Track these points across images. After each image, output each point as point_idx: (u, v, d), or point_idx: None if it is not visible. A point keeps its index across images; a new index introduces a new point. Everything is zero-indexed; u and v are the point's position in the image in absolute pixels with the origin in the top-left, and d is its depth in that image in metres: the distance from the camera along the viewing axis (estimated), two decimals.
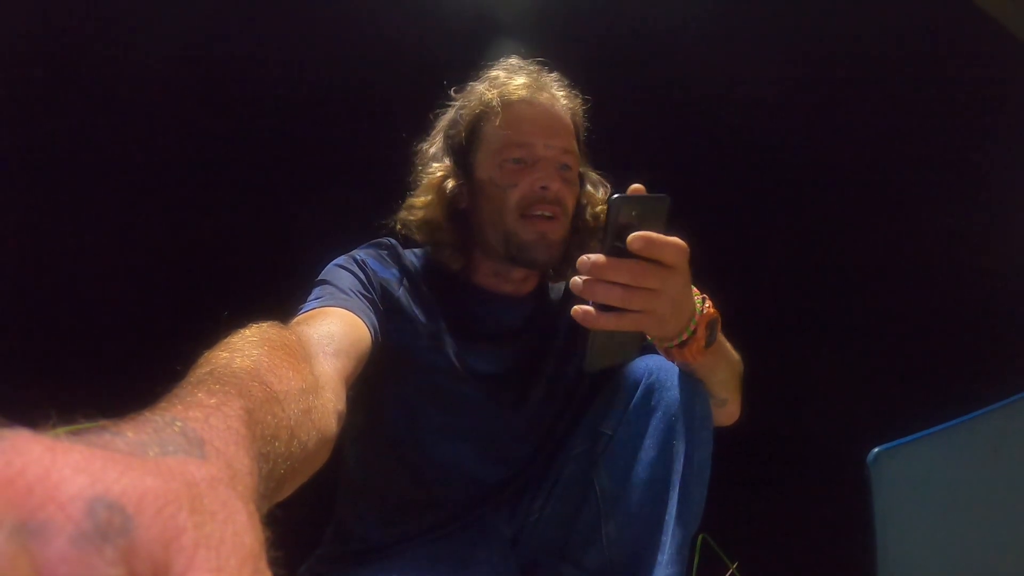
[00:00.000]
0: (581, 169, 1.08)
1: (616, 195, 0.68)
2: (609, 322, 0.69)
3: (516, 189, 0.98)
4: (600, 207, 1.08)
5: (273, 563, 0.25)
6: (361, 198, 1.16)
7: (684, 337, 0.78)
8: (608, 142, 1.14)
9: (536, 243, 0.98)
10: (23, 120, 1.45)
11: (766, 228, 1.84)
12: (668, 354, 0.83)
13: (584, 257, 0.68)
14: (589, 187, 1.09)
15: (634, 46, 1.70)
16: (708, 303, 0.80)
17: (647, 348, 1.00)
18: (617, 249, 0.67)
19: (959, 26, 1.65)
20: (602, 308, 0.69)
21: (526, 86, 1.02)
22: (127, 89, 1.53)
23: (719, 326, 0.83)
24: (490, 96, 1.01)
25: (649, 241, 0.66)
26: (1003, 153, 1.68)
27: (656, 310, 0.69)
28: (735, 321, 0.87)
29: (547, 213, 0.98)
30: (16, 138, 1.44)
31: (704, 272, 0.80)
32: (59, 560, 0.18)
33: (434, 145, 1.11)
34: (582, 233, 1.07)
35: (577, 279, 0.69)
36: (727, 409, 0.97)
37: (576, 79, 1.10)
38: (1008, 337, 1.64)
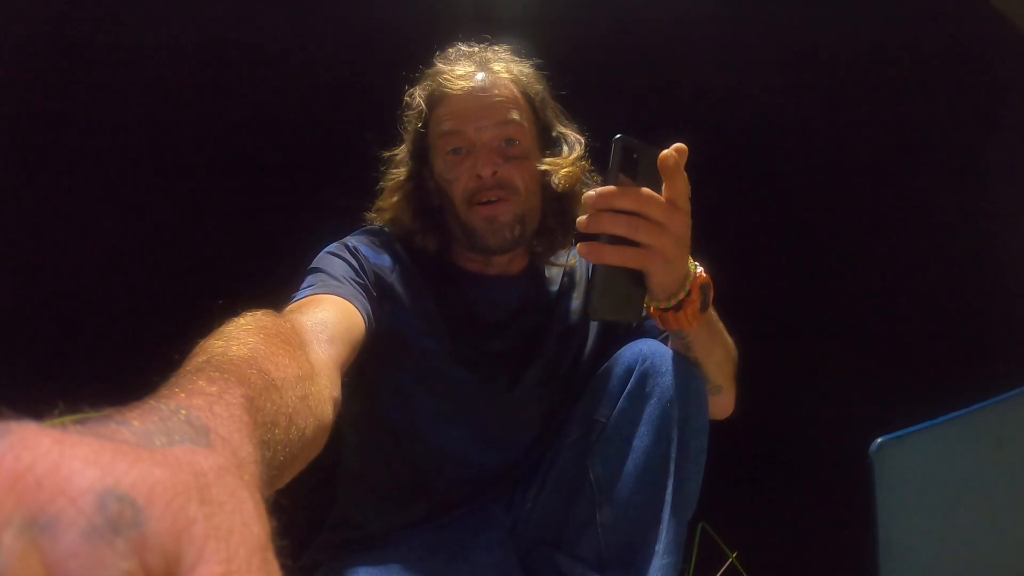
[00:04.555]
0: (556, 132, 1.05)
1: (619, 135, 0.68)
2: (615, 255, 0.69)
3: (459, 181, 0.98)
4: (568, 169, 1.00)
5: (279, 552, 0.25)
6: (354, 189, 1.15)
7: (681, 297, 0.77)
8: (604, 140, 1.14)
9: (485, 229, 0.98)
10: (23, 117, 1.44)
11: (767, 223, 1.84)
12: (664, 321, 0.82)
13: (590, 192, 0.67)
14: (565, 148, 1.04)
15: (633, 45, 1.70)
16: (700, 268, 0.80)
17: (644, 332, 1.00)
18: (621, 183, 0.67)
19: (963, 21, 1.65)
20: (609, 244, 0.68)
21: (459, 75, 0.99)
22: (120, 83, 1.52)
23: (712, 292, 0.83)
24: (427, 92, 1.01)
25: (673, 159, 0.67)
26: (1005, 150, 1.68)
27: (662, 247, 0.69)
28: (737, 313, 0.86)
29: (492, 198, 0.97)
30: (16, 135, 1.43)
31: (706, 267, 0.80)
32: (70, 555, 0.18)
33: (399, 151, 1.10)
34: (555, 200, 1.04)
35: (582, 217, 0.69)
36: (722, 399, 0.96)
37: (576, 78, 1.10)
38: (1012, 329, 1.65)
